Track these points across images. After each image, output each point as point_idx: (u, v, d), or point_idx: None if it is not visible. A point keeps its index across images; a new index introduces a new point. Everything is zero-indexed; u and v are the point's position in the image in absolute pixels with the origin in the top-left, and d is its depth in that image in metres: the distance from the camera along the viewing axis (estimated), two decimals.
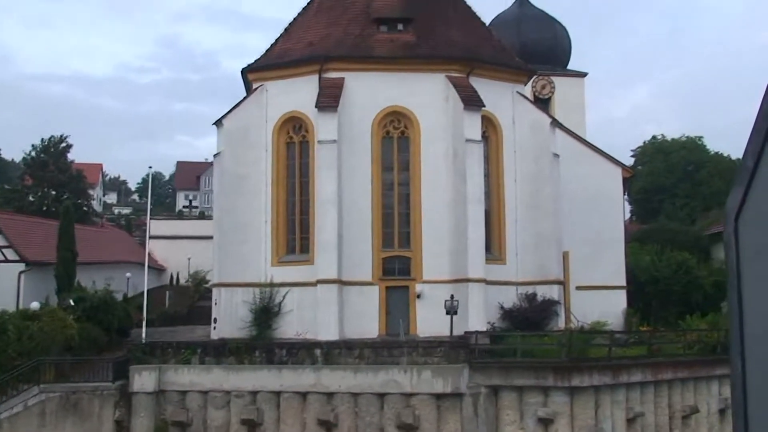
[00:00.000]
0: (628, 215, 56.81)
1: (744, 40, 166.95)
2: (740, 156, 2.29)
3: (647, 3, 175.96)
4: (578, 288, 34.79)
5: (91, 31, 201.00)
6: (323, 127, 29.02)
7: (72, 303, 31.10)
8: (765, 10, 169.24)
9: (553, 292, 30.66)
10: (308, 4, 33.71)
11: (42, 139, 66.41)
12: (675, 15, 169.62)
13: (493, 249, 30.51)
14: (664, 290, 39.99)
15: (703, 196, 68.93)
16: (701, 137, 76.03)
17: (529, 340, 28.19)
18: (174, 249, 54.28)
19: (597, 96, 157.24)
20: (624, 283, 37.33)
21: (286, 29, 33.16)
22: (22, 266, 36.17)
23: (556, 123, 32.52)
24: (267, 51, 32.70)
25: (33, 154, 66.63)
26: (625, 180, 38.65)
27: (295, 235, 30.67)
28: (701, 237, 52.93)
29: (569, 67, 47.58)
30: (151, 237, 46.34)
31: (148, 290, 32.89)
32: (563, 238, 31.68)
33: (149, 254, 42.08)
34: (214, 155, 31.73)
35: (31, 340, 27.13)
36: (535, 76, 38.12)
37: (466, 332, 27.84)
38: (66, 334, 28.26)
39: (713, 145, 76.11)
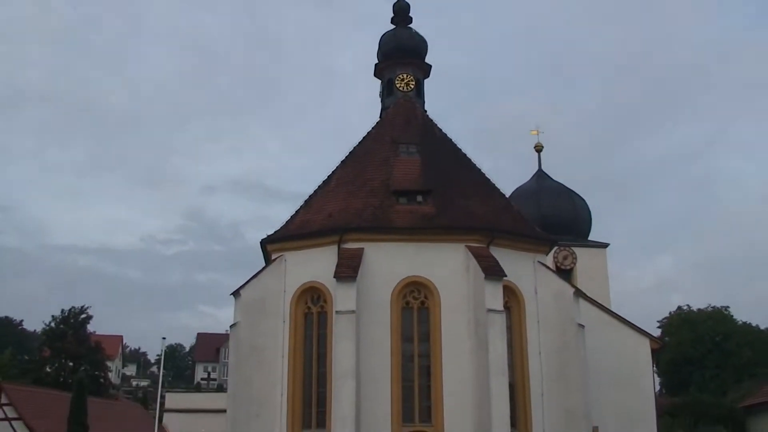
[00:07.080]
0: (657, 388, 55.11)
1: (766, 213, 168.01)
2: None
3: (668, 175, 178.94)
4: None
5: (120, 204, 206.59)
6: (342, 297, 28.58)
7: None
8: None
9: None
10: (328, 178, 34.11)
11: (62, 310, 66.53)
12: (698, 186, 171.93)
13: (519, 424, 29.14)
14: None
15: (734, 367, 67.37)
16: (728, 307, 75.13)
17: None
18: (191, 422, 52.69)
19: (620, 266, 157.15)
20: None
21: (306, 201, 33.41)
22: None
23: (579, 293, 31.92)
24: (287, 222, 32.82)
25: (53, 324, 66.51)
26: (653, 351, 37.55)
27: (311, 409, 29.58)
28: (735, 409, 51.05)
29: (590, 237, 47.56)
30: (165, 410, 45.19)
31: None
32: (592, 413, 30.30)
33: (164, 428, 40.80)
34: (231, 326, 31.25)
35: None
36: (556, 247, 37.87)
37: None
38: None
39: (740, 315, 75.10)
